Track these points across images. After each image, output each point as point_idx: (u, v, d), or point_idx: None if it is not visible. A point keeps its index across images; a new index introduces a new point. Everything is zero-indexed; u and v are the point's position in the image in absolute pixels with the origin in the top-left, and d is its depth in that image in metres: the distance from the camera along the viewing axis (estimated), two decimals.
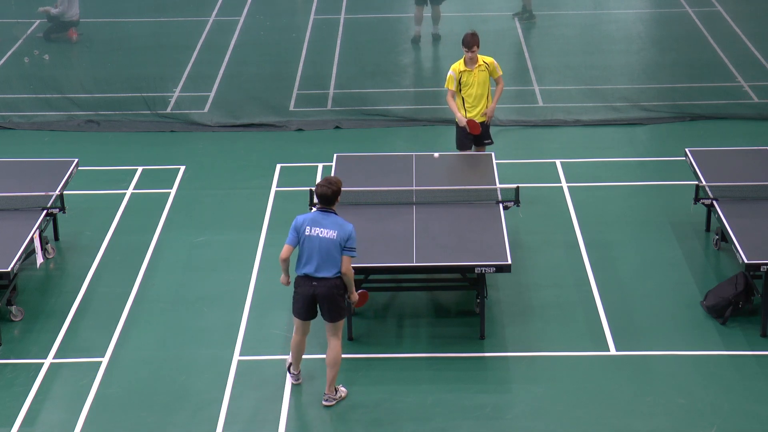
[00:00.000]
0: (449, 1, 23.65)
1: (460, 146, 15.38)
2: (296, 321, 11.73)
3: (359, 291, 11.85)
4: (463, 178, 14.60)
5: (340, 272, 11.41)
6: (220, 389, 11.99)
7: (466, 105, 15.12)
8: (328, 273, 11.37)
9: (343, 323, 11.63)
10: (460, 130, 15.28)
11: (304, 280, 11.49)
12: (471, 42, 14.92)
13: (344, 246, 11.34)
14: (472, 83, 15.03)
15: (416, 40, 22.57)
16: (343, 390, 11.81)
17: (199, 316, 13.41)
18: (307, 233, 11.39)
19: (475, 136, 15.24)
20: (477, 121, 15.05)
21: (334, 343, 11.57)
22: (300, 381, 12.05)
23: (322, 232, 11.33)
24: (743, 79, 20.26)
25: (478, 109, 15.11)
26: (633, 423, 11.40)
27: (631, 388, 11.94)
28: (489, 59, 15.11)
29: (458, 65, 15.07)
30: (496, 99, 15.24)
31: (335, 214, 11.46)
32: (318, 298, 11.50)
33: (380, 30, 23.74)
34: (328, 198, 11.42)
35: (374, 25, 24.03)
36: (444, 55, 22.33)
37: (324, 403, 11.67)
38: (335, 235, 11.30)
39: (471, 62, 15.01)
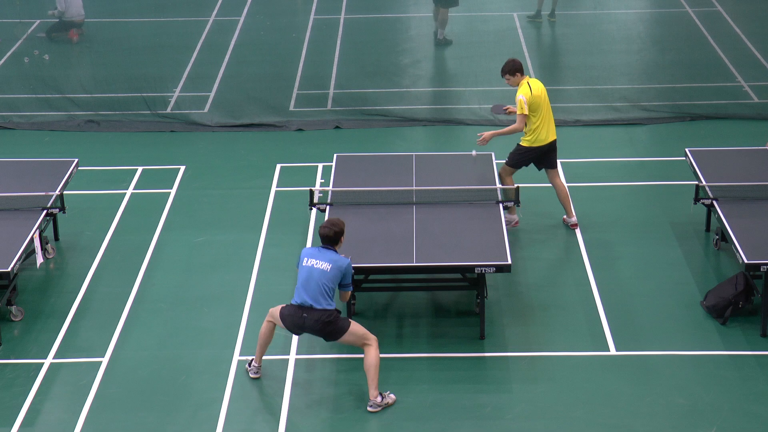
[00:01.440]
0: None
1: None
2: (275, 313, 11.82)
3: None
4: (463, 178, 14.60)
5: (329, 306, 11.51)
6: (220, 389, 11.99)
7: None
8: (316, 304, 11.49)
9: (355, 331, 11.62)
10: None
11: (295, 309, 11.61)
12: (502, 69, 14.78)
13: (341, 282, 11.61)
14: None
15: (446, 43, 22.32)
16: (390, 397, 11.76)
17: (199, 316, 13.41)
18: (303, 264, 11.64)
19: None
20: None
21: (365, 350, 11.67)
22: (259, 375, 12.10)
23: (317, 263, 11.55)
24: (743, 79, 20.26)
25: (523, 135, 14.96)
26: (633, 423, 11.40)
27: (631, 388, 11.94)
28: (518, 93, 14.64)
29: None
30: (500, 132, 14.94)
31: (335, 251, 11.67)
32: (307, 330, 11.66)
33: (380, 30, 23.74)
34: (330, 239, 11.71)
35: (374, 25, 24.03)
36: (445, 55, 22.33)
37: (368, 408, 11.66)
38: (329, 268, 11.51)
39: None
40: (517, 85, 14.72)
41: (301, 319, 11.56)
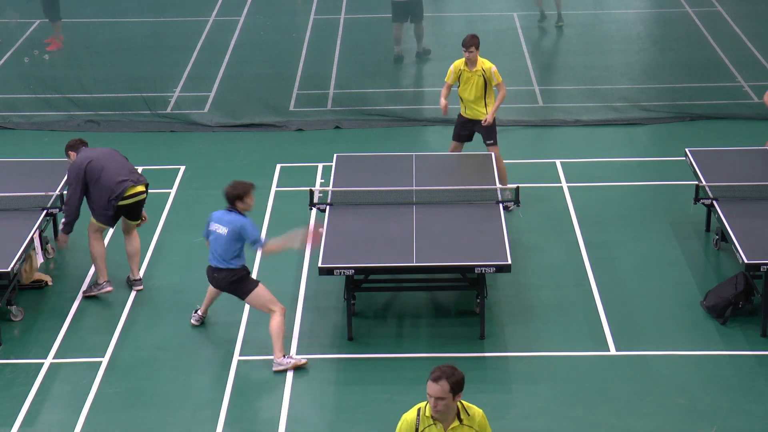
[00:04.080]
0: (449, 2, 23.62)
1: (455, 136, 15.64)
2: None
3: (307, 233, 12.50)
4: (463, 178, 14.60)
5: (233, 265, 12.18)
6: (220, 389, 12.00)
7: (462, 104, 15.33)
8: (220, 265, 12.25)
9: (261, 294, 12.25)
10: (458, 121, 15.59)
11: (209, 269, 12.44)
12: (468, 42, 15.12)
13: (246, 241, 12.19)
14: (467, 84, 15.21)
15: (399, 60, 21.96)
16: (296, 358, 12.24)
17: None
18: (211, 228, 12.33)
19: (481, 136, 15.36)
20: None
21: (271, 317, 12.26)
22: (200, 323, 12.96)
23: (218, 228, 12.23)
24: (743, 79, 20.26)
25: (474, 111, 15.23)
26: (633, 423, 11.40)
27: (631, 388, 11.94)
28: (488, 66, 15.21)
29: (460, 62, 15.32)
30: (496, 105, 15.35)
31: (236, 212, 12.23)
32: (220, 288, 12.43)
33: (380, 30, 23.72)
34: (228, 198, 12.33)
35: (374, 25, 24.03)
36: (445, 55, 22.29)
37: (273, 369, 12.18)
38: (226, 231, 12.14)
39: (470, 63, 15.12)
40: (476, 60, 15.18)
41: (213, 279, 12.42)
